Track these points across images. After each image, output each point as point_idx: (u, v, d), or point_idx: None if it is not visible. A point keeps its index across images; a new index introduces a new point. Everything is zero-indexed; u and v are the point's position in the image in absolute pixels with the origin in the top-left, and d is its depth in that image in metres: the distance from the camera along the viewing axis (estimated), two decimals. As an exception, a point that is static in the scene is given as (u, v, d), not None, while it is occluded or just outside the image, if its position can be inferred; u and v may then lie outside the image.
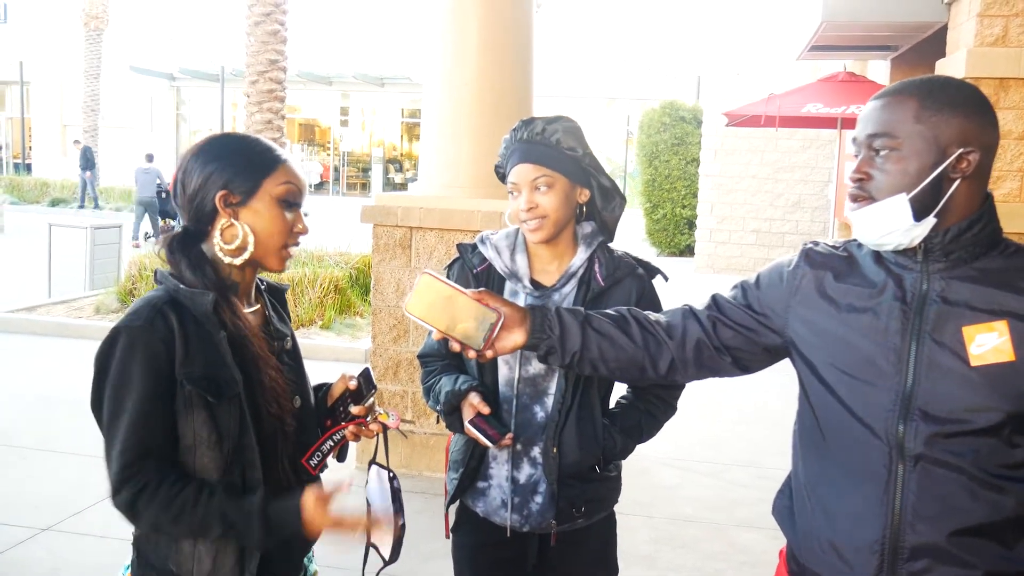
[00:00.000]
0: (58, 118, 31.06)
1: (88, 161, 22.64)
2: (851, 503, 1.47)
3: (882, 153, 1.42)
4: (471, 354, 1.58)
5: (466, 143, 4.56)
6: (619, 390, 2.16)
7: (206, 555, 1.55)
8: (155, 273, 1.62)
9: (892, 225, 1.41)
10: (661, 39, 29.13)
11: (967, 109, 1.40)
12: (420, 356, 2.23)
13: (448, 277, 2.13)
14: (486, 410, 1.93)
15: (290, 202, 1.63)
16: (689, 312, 1.69)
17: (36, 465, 4.73)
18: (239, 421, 1.55)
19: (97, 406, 1.54)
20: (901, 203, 1.40)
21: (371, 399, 1.72)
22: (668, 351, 1.65)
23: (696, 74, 20.92)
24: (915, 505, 1.42)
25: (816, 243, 1.62)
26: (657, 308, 2.04)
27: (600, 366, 1.65)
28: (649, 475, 4.85)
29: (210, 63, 27.35)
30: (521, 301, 2.02)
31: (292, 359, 1.74)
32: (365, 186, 32.40)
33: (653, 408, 2.09)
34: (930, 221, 1.41)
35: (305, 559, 1.78)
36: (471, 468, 2.07)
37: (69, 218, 14.51)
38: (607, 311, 1.71)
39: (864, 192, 1.44)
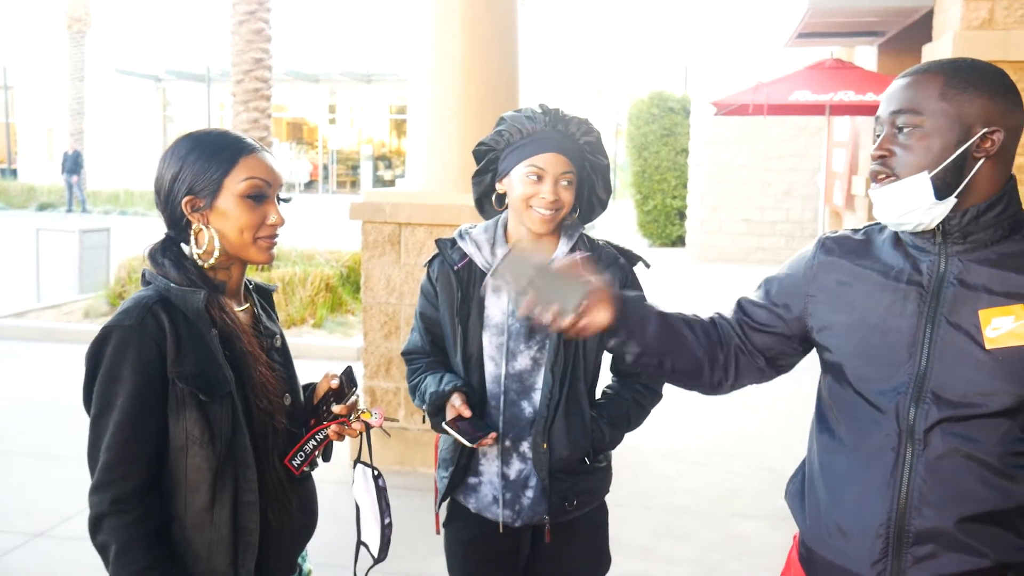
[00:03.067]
0: (43, 122, 30.90)
1: (76, 165, 22.53)
2: (859, 486, 1.47)
3: (905, 130, 1.42)
4: (565, 322, 1.50)
5: (453, 138, 4.53)
6: (603, 380, 2.15)
7: (201, 551, 1.54)
8: (143, 274, 1.62)
9: (913, 203, 1.40)
10: (648, 30, 29.11)
11: (992, 89, 1.39)
12: (404, 353, 2.22)
13: (429, 275, 2.12)
14: (467, 413, 1.92)
15: (258, 196, 1.60)
16: (722, 320, 1.68)
17: (28, 470, 4.70)
18: (231, 419, 1.54)
19: (87, 402, 1.54)
20: (923, 181, 1.39)
21: (352, 398, 1.71)
22: (720, 360, 1.65)
23: (684, 64, 20.92)
24: (922, 489, 1.41)
25: (834, 232, 1.62)
26: None
27: (667, 362, 1.61)
28: (646, 467, 4.84)
29: (196, 63, 27.26)
30: (505, 296, 2.02)
31: (282, 357, 1.73)
32: (355, 184, 32.32)
33: (640, 397, 2.09)
34: (951, 201, 1.40)
35: (300, 558, 1.76)
36: (461, 465, 2.06)
37: (57, 222, 14.42)
38: (674, 312, 1.69)
39: (887, 169, 1.43)
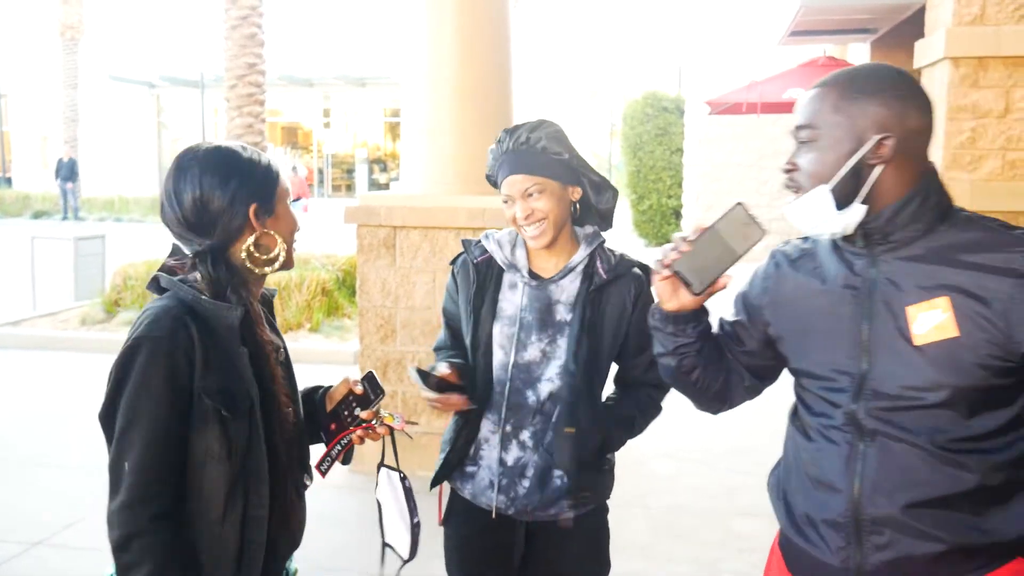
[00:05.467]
0: (37, 130, 30.83)
1: (71, 172, 22.50)
2: (821, 479, 1.53)
3: (806, 144, 1.47)
4: (700, 288, 1.50)
5: (446, 140, 4.53)
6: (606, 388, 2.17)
7: (206, 563, 1.53)
8: (157, 281, 1.58)
9: (820, 216, 1.45)
10: (642, 30, 29.15)
11: (886, 95, 1.42)
12: (435, 349, 2.29)
13: (453, 271, 2.19)
14: (445, 371, 1.96)
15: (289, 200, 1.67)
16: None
17: (26, 479, 4.68)
18: (248, 436, 1.53)
19: (109, 416, 1.50)
20: (824, 194, 1.43)
21: (378, 404, 1.74)
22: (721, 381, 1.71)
23: (677, 63, 20.93)
24: (875, 479, 1.45)
25: (786, 242, 1.68)
26: None
27: (696, 371, 1.66)
28: (645, 466, 4.84)
29: (190, 69, 27.25)
30: (519, 291, 2.08)
31: (285, 370, 1.73)
32: (350, 187, 32.31)
33: (643, 405, 2.13)
34: (859, 208, 1.44)
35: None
36: (459, 447, 2.09)
37: (52, 230, 14.40)
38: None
39: (793, 183, 1.50)
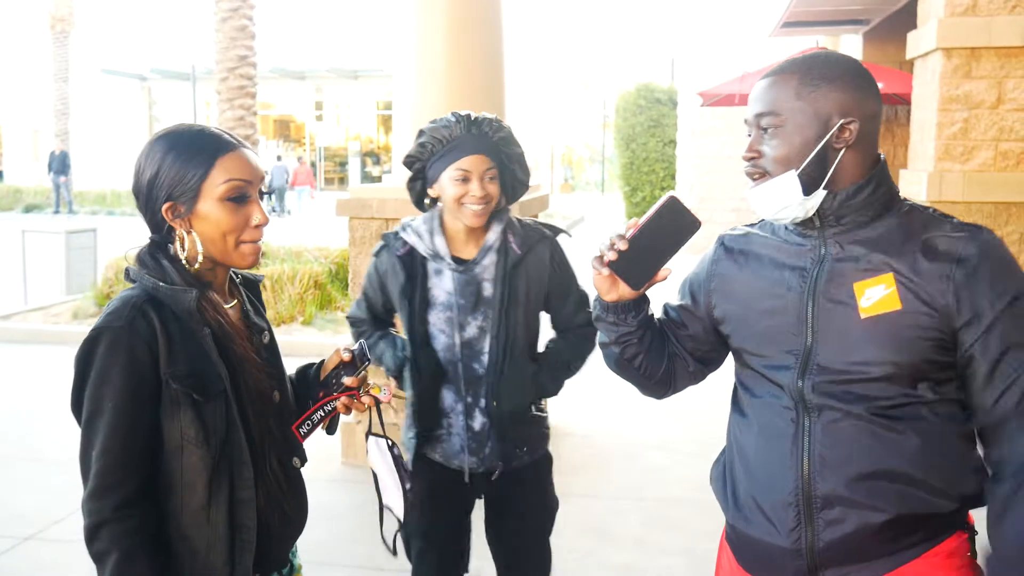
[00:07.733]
0: (28, 123, 30.69)
1: (64, 166, 22.40)
2: (768, 459, 1.55)
3: (769, 131, 1.50)
4: (662, 276, 1.54)
5: (440, 132, 4.50)
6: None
7: (199, 548, 1.53)
8: (126, 272, 1.58)
9: (786, 200, 1.48)
10: (634, 21, 29.12)
11: (844, 82, 1.48)
12: (349, 317, 2.57)
13: (376, 265, 2.40)
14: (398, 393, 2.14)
15: (239, 197, 1.55)
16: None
17: (17, 473, 4.67)
18: (225, 418, 1.53)
19: (76, 407, 1.51)
20: (791, 180, 1.47)
21: (364, 372, 1.73)
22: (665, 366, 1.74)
23: (670, 55, 20.92)
24: (822, 455, 1.49)
25: (733, 228, 1.72)
26: (566, 265, 2.37)
27: (639, 358, 1.68)
28: (638, 458, 4.84)
29: (181, 62, 27.11)
30: (447, 277, 2.27)
31: (270, 353, 1.72)
32: (343, 180, 32.24)
33: (576, 346, 2.37)
34: (820, 193, 1.48)
35: (290, 553, 1.76)
36: (424, 420, 2.30)
37: (43, 224, 14.34)
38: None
39: (758, 168, 1.52)
